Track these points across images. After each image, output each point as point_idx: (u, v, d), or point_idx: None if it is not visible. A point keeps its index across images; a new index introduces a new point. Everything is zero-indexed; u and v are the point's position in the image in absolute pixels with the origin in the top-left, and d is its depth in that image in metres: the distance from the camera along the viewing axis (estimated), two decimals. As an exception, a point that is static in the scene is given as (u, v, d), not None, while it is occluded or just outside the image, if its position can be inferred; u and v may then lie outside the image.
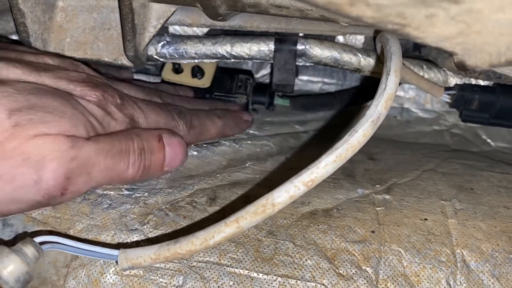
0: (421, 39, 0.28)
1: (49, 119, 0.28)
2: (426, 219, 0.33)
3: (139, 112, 0.35)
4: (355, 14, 0.27)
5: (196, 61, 0.41)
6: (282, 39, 0.40)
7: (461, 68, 0.33)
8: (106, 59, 0.36)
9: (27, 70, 0.30)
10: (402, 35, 0.29)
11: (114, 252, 0.28)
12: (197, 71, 0.44)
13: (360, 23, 0.34)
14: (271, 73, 0.42)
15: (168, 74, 0.44)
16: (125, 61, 0.36)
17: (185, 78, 0.44)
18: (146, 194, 0.35)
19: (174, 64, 0.44)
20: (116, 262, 0.28)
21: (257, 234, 0.32)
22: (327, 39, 0.42)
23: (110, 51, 0.35)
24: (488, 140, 0.50)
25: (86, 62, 0.36)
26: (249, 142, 0.43)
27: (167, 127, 0.36)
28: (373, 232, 0.32)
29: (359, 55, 0.41)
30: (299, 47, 0.40)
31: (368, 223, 0.32)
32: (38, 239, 0.28)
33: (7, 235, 0.32)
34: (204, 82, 0.45)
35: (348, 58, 0.40)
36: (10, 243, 0.28)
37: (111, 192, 0.34)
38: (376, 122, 0.28)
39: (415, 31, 0.28)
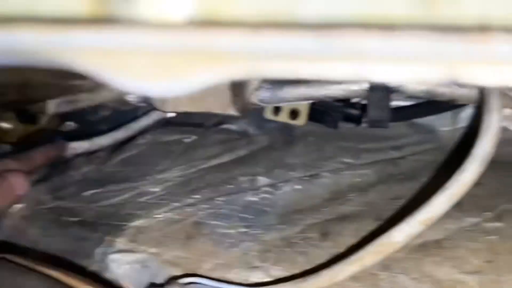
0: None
1: None
2: (544, 247, 0.33)
3: None
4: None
5: (292, 103, 0.44)
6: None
7: None
8: (216, 111, 0.39)
9: None
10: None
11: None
12: (294, 112, 0.48)
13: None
14: (363, 109, 0.44)
15: (269, 114, 0.48)
16: (233, 111, 0.39)
17: (283, 118, 0.48)
18: (261, 230, 0.38)
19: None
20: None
21: (372, 268, 0.33)
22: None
23: (219, 103, 0.39)
24: None
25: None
26: (348, 172, 0.45)
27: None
28: (488, 262, 0.32)
29: (454, 86, 0.41)
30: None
31: (482, 253, 0.33)
32: (184, 280, 0.32)
33: (146, 275, 0.36)
34: (300, 121, 0.48)
35: (442, 90, 0.41)
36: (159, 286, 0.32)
37: (231, 231, 0.38)
38: (484, 160, 0.29)
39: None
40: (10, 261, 0.31)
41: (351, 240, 0.36)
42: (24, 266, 0.31)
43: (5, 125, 0.45)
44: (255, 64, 0.11)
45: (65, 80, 0.39)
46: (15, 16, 0.12)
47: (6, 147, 0.46)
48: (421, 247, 0.34)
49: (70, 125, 0.50)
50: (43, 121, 0.46)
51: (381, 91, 0.41)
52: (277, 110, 0.48)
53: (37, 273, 0.32)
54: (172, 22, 0.11)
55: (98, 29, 0.11)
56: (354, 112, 0.48)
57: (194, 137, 0.50)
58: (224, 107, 0.39)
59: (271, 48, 0.11)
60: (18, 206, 0.42)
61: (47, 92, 0.45)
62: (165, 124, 0.52)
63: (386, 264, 0.33)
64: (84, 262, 0.37)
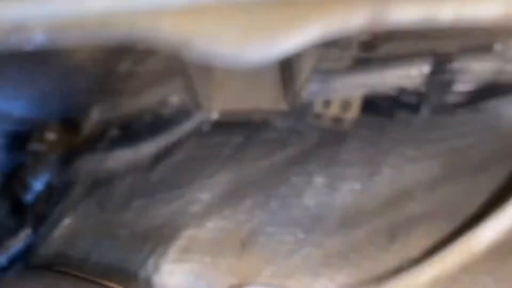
0: None
1: None
2: None
3: None
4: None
5: (343, 95, 0.41)
6: (436, 61, 0.38)
7: None
8: (266, 107, 0.37)
9: None
10: None
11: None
12: (345, 104, 0.45)
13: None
14: (421, 95, 0.40)
15: (319, 108, 0.46)
16: (283, 106, 0.37)
17: (334, 111, 0.45)
18: (321, 236, 0.35)
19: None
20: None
21: (450, 271, 0.30)
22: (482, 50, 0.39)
23: (269, 98, 0.36)
24: None
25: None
26: (411, 166, 0.41)
27: None
28: None
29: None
30: (456, 65, 0.38)
31: None
32: None
33: (201, 285, 0.34)
34: (353, 113, 0.45)
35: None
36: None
37: (289, 237, 0.35)
38: None
39: None
40: (70, 274, 0.30)
41: (422, 243, 0.33)
42: (83, 278, 0.30)
43: (50, 135, 0.45)
44: (381, 10, 0.09)
45: (107, 84, 0.38)
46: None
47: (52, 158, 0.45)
48: (504, 244, 0.31)
49: (114, 132, 0.49)
50: (87, 129, 0.45)
51: (442, 76, 0.38)
52: (327, 103, 0.46)
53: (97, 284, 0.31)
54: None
55: None
56: (411, 98, 0.45)
57: (241, 138, 0.47)
58: (274, 101, 0.36)
59: None
60: (67, 220, 0.41)
61: (90, 99, 0.43)
62: (209, 125, 0.50)
63: (465, 266, 0.30)
64: (136, 274, 0.36)
